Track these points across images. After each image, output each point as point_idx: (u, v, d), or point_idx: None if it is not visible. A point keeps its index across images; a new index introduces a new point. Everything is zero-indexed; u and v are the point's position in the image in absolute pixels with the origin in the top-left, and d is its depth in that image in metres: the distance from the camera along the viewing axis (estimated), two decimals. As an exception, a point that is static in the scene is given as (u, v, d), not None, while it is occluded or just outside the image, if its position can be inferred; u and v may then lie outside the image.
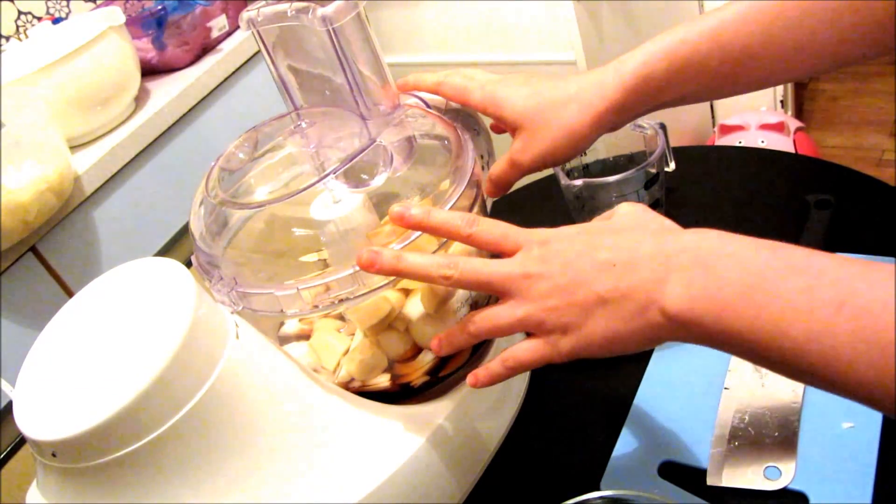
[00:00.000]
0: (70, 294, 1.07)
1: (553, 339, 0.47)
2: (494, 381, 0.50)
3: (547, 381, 0.67)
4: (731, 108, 1.97)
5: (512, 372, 0.50)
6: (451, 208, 0.54)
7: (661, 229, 0.47)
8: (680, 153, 0.83)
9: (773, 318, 0.38)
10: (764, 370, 0.60)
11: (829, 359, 0.36)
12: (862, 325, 0.36)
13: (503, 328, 0.48)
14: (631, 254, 0.45)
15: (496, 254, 0.50)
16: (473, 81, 0.63)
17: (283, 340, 0.63)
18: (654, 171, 0.73)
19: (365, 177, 0.56)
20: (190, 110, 1.25)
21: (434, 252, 0.53)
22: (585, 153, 0.80)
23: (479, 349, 0.62)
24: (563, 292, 0.46)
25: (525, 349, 0.48)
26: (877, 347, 0.35)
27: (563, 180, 0.75)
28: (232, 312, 0.50)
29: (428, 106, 0.64)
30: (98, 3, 1.44)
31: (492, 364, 0.50)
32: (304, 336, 0.62)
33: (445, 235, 0.51)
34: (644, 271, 0.44)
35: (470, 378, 0.51)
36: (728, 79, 0.58)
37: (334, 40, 0.56)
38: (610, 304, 0.44)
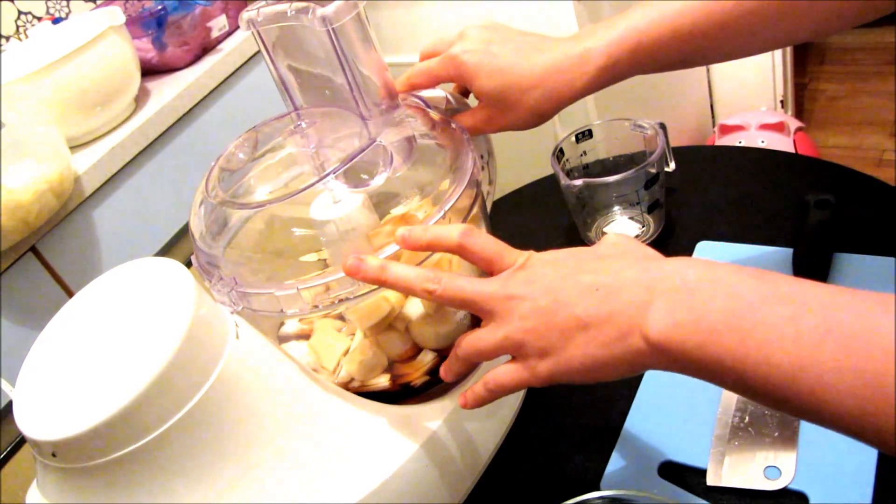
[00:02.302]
0: (70, 294, 1.07)
1: (532, 362, 0.46)
2: (480, 403, 0.50)
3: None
4: (731, 108, 1.97)
5: (494, 395, 0.49)
6: (450, 208, 0.54)
7: (646, 257, 0.46)
8: (680, 153, 0.83)
9: (758, 346, 0.37)
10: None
11: (815, 389, 0.36)
12: (847, 354, 0.35)
13: (487, 352, 0.48)
14: (614, 278, 0.44)
15: (486, 272, 0.50)
16: (439, 59, 0.63)
17: (283, 340, 0.63)
18: (654, 171, 0.73)
19: (365, 177, 0.56)
20: (190, 110, 1.25)
21: (433, 253, 0.53)
22: (585, 153, 0.80)
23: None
24: (544, 314, 0.45)
25: (504, 372, 0.47)
26: (862, 378, 0.34)
27: (563, 180, 0.75)
28: (232, 312, 0.50)
29: (428, 106, 0.64)
30: (98, 3, 1.44)
31: (476, 386, 0.49)
32: (304, 336, 0.62)
33: (439, 248, 0.51)
34: (627, 296, 0.43)
35: (460, 399, 0.51)
36: (694, 58, 0.59)
37: (334, 40, 0.56)
38: (591, 328, 0.43)
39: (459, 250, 0.49)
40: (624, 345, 0.42)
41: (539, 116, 0.61)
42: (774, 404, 0.39)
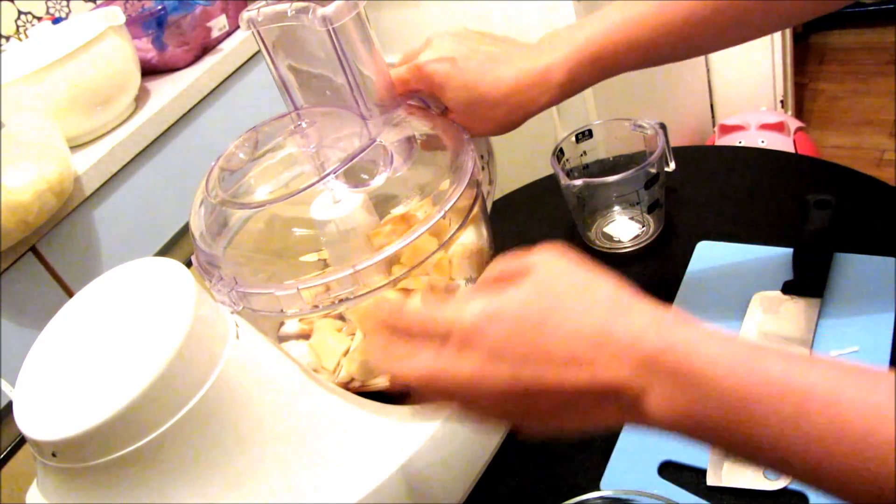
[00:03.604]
0: (70, 294, 1.07)
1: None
2: None
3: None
4: (731, 108, 1.97)
5: None
6: (450, 208, 0.54)
7: (615, 308, 0.40)
8: (680, 153, 0.83)
9: (768, 445, 0.36)
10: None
11: (833, 489, 0.35)
12: (860, 461, 0.34)
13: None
14: (595, 352, 0.39)
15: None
16: (414, 68, 0.62)
17: (283, 340, 0.63)
18: (654, 171, 0.73)
19: (365, 177, 0.56)
20: (190, 110, 1.25)
21: (433, 253, 0.53)
22: (585, 153, 0.80)
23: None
24: (516, 396, 0.41)
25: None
26: (880, 483, 0.33)
27: (563, 180, 0.75)
28: (232, 312, 0.50)
29: (428, 106, 0.64)
30: (98, 3, 1.44)
31: None
32: (304, 336, 0.62)
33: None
34: (615, 371, 0.39)
35: None
36: (654, 62, 0.60)
37: (334, 40, 0.56)
38: (576, 407, 0.40)
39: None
40: (621, 419, 0.41)
41: (506, 127, 0.62)
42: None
